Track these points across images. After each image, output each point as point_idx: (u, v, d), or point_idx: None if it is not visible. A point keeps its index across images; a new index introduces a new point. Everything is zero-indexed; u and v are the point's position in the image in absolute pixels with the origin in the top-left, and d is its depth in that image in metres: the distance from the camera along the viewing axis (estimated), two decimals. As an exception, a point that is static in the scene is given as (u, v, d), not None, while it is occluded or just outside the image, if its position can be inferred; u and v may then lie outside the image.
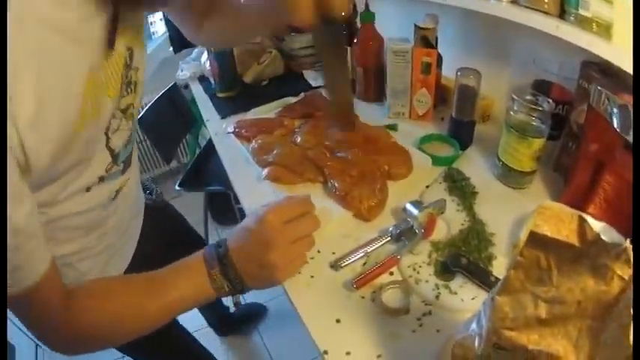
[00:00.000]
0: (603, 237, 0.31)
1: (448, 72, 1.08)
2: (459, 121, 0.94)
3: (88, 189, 0.68)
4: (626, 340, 0.31)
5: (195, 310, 1.65)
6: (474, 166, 0.88)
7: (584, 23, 0.66)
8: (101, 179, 0.68)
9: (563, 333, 0.35)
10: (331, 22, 0.70)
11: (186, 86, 2.01)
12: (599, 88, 0.65)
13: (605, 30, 0.63)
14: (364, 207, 0.77)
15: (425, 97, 1.04)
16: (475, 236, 0.70)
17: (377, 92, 1.18)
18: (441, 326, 0.60)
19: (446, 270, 0.66)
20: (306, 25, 0.68)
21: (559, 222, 0.33)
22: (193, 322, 1.20)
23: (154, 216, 0.99)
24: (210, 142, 1.98)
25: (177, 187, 1.69)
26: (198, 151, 2.10)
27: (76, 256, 0.71)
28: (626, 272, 0.31)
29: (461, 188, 0.80)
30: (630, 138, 0.59)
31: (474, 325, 0.44)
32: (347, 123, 0.83)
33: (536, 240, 0.33)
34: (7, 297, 0.53)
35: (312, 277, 0.69)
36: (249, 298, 2.11)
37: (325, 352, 0.59)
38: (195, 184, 1.76)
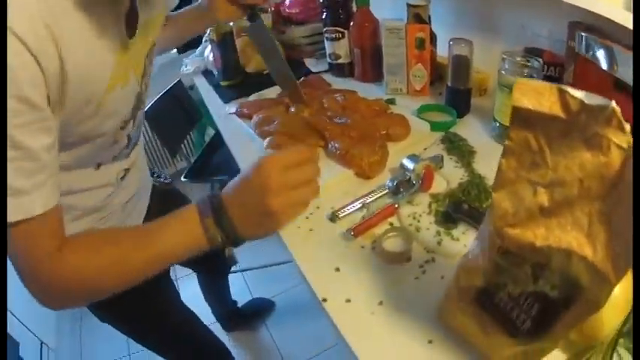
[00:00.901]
0: (587, 102, 0.30)
1: (443, 51, 1.10)
2: (455, 89, 0.96)
3: (98, 165, 0.71)
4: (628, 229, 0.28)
5: (204, 305, 1.67)
6: (472, 130, 0.89)
7: None
8: (114, 159, 0.73)
9: (572, 222, 0.32)
10: (253, 18, 0.98)
11: (192, 87, 2.06)
12: (582, 34, 0.66)
13: None
14: (365, 163, 0.78)
15: (421, 71, 1.06)
16: (475, 187, 0.71)
17: (375, 73, 1.20)
18: (445, 273, 0.59)
19: (447, 219, 0.66)
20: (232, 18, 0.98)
21: (538, 95, 0.33)
22: (202, 317, 1.21)
23: (160, 198, 1.01)
24: (215, 137, 2.03)
25: (182, 179, 1.72)
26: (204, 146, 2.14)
27: None
28: (623, 139, 0.30)
29: (458, 148, 0.82)
30: (618, 75, 0.60)
31: (474, 247, 0.43)
32: (298, 99, 1.04)
33: (521, 117, 0.33)
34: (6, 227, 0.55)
35: (310, 230, 0.70)
36: (257, 292, 2.12)
37: (324, 300, 0.59)
38: (201, 175, 1.79)
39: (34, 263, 0.58)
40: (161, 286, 1.04)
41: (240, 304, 1.94)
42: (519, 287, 0.38)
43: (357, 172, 0.80)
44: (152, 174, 1.05)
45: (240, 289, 2.13)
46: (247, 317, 1.92)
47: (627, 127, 0.30)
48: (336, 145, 0.83)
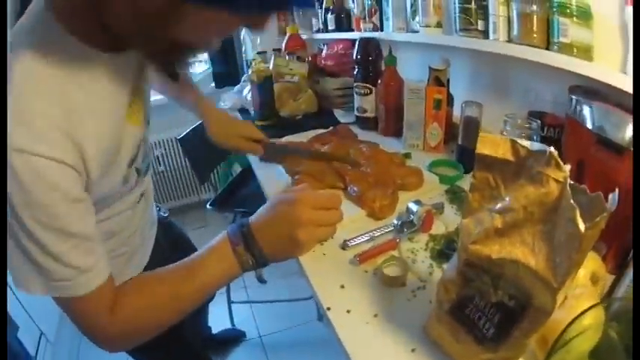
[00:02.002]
0: (531, 149, 0.41)
1: (459, 112, 1.22)
2: (464, 147, 1.07)
3: (116, 200, 0.77)
4: (575, 228, 0.36)
5: None
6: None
7: (565, 49, 0.79)
8: (130, 189, 0.78)
9: (520, 241, 0.42)
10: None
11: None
12: (575, 97, 0.75)
13: (584, 52, 0.77)
14: (377, 205, 0.89)
15: (436, 130, 1.19)
16: None
17: (395, 128, 1.33)
18: (433, 298, 0.64)
19: (440, 255, 0.76)
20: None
21: (495, 145, 0.45)
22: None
23: (164, 230, 1.09)
24: (243, 172, 2.16)
25: (208, 206, 1.83)
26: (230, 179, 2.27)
27: None
28: (559, 174, 0.40)
29: (460, 198, 0.92)
30: (602, 133, 0.68)
31: (450, 264, 0.53)
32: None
33: (482, 160, 0.45)
34: (65, 301, 0.61)
35: (323, 254, 0.81)
36: (262, 324, 2.17)
37: (328, 309, 0.69)
38: (225, 205, 1.90)
39: (99, 323, 0.65)
40: None
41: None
42: (484, 299, 0.48)
43: (369, 213, 0.91)
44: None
45: (246, 318, 2.20)
46: (219, 344, 2.01)
47: (563, 165, 0.40)
48: (354, 188, 0.95)
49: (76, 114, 0.56)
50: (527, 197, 0.42)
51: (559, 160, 0.40)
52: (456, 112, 1.23)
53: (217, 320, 2.04)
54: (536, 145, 0.43)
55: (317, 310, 2.16)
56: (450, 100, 1.21)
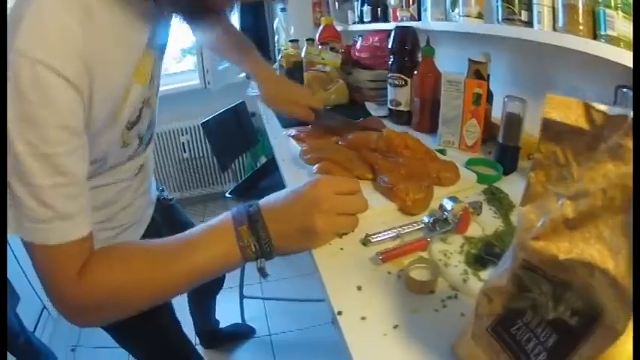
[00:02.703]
0: (610, 114, 0.32)
1: (498, 113, 1.12)
2: (505, 145, 0.97)
3: (115, 166, 0.74)
4: None
5: (188, 320, 1.69)
6: (515, 188, 0.89)
7: (612, 42, 0.75)
8: (130, 158, 0.75)
9: (596, 235, 0.32)
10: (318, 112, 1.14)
11: (253, 114, 2.18)
12: (623, 90, 0.70)
13: (631, 46, 0.70)
14: (410, 199, 0.79)
15: (474, 127, 1.09)
16: (510, 236, 0.69)
17: (430, 124, 1.24)
18: (466, 311, 0.58)
19: (477, 261, 0.66)
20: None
21: (566, 109, 0.34)
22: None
23: (163, 212, 1.06)
24: (267, 163, 2.11)
25: (227, 195, 1.78)
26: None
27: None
28: None
29: (499, 200, 0.82)
30: None
31: (499, 267, 0.43)
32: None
33: (549, 130, 0.35)
34: (36, 249, 0.55)
35: (341, 249, 0.71)
36: (273, 322, 2.11)
37: (339, 313, 0.59)
38: (246, 195, 1.85)
39: (66, 281, 0.58)
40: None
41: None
42: (538, 315, 0.38)
43: (400, 207, 0.81)
44: (157, 188, 1.10)
45: (258, 315, 2.14)
46: (226, 339, 1.95)
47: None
48: (385, 178, 0.85)
49: (93, 43, 0.54)
50: (606, 177, 0.32)
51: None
52: (495, 113, 1.15)
53: (227, 314, 2.00)
54: (616, 110, 0.33)
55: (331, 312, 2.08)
56: (489, 97, 1.12)
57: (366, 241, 0.71)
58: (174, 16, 0.64)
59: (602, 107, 0.33)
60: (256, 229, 0.62)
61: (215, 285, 1.62)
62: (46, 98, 0.50)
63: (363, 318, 0.58)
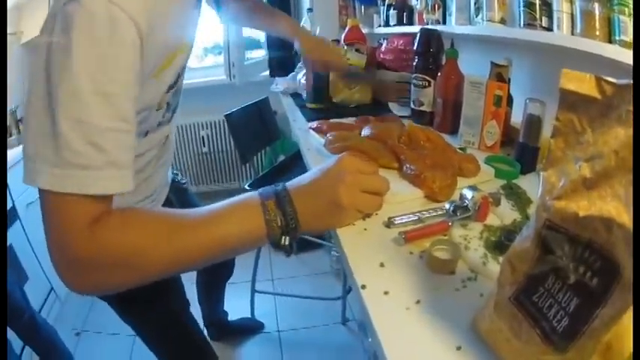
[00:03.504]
0: (618, 84, 0.36)
1: (517, 117, 1.14)
2: (525, 144, 1.00)
3: (146, 133, 0.77)
4: None
5: (197, 312, 1.69)
6: (533, 187, 0.91)
7: (626, 45, 0.79)
8: (159, 124, 0.78)
9: (611, 193, 0.35)
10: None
11: (275, 112, 2.23)
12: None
13: None
14: (437, 185, 0.82)
15: (494, 128, 1.11)
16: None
17: (452, 125, 1.26)
18: (485, 292, 0.59)
19: (496, 246, 0.68)
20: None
21: (579, 82, 0.39)
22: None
23: (178, 193, 1.11)
24: (286, 160, 2.15)
25: (246, 187, 1.82)
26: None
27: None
28: None
29: (517, 195, 0.84)
30: None
31: (523, 232, 0.45)
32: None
33: (566, 98, 0.39)
34: (57, 198, 0.52)
35: (365, 229, 0.73)
36: (283, 318, 2.13)
37: (363, 287, 0.60)
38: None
39: (77, 234, 0.54)
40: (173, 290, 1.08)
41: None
42: (560, 279, 0.40)
43: (427, 194, 0.84)
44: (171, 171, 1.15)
45: (268, 311, 2.16)
46: (234, 332, 1.98)
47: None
48: (412, 167, 0.88)
49: (157, 4, 0.58)
50: (617, 140, 0.35)
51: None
52: (514, 117, 1.17)
53: (237, 308, 2.03)
54: (623, 80, 0.37)
55: (342, 313, 2.09)
56: (509, 101, 1.14)
57: (389, 224, 0.74)
58: None
59: (611, 79, 0.37)
60: (283, 203, 0.62)
61: (224, 271, 1.63)
62: (118, 37, 0.52)
63: (386, 292, 0.60)
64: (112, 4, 0.52)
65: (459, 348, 0.52)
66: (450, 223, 0.72)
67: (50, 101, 0.51)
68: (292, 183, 0.67)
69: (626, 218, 0.34)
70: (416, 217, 0.74)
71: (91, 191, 0.53)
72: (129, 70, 0.55)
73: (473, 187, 0.77)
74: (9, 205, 1.76)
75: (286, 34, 1.32)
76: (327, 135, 1.08)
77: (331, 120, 1.30)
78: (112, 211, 0.57)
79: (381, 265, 0.66)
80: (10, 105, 2.29)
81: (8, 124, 2.33)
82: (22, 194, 1.84)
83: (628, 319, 0.35)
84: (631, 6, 0.79)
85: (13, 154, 1.90)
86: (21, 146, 0.57)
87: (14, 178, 1.78)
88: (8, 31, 2.22)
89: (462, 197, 0.77)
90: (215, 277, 1.65)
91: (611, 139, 0.36)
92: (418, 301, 0.59)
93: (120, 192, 0.56)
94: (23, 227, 1.84)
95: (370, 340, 0.56)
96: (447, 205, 0.76)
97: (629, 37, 0.79)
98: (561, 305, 0.41)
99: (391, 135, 1.01)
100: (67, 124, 0.51)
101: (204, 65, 3.23)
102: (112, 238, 0.55)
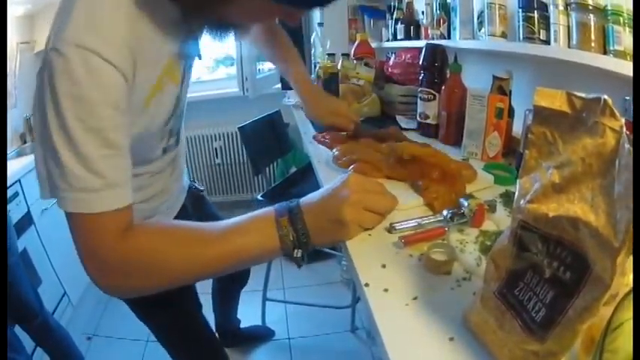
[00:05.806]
0: (587, 98, 0.40)
1: (519, 128, 1.18)
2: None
3: (151, 161, 0.84)
4: (631, 174, 0.34)
5: (210, 318, 1.75)
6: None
7: (620, 56, 0.82)
8: (164, 151, 0.84)
9: (579, 197, 0.39)
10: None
11: (287, 124, 2.29)
12: (626, 97, 0.75)
13: None
14: (439, 204, 0.86)
15: (496, 139, 1.16)
16: None
17: (455, 137, 1.30)
18: (477, 291, 0.61)
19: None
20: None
21: (552, 98, 0.43)
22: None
23: (194, 201, 1.16)
24: (297, 172, 2.21)
25: (259, 197, 1.87)
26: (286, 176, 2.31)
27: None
28: (615, 123, 0.38)
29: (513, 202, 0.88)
30: None
31: (502, 236, 0.50)
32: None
33: (539, 114, 0.43)
34: (77, 216, 0.60)
35: (369, 234, 0.79)
36: (293, 326, 2.16)
37: (366, 285, 0.67)
38: (278, 199, 1.91)
39: (106, 244, 0.62)
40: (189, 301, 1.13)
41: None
42: (537, 274, 0.45)
43: (427, 204, 0.89)
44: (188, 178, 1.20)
45: (278, 318, 2.20)
46: (245, 339, 2.02)
47: (618, 114, 0.38)
48: (419, 182, 0.93)
49: (138, 40, 0.62)
50: (584, 149, 0.40)
51: (614, 108, 0.38)
52: (516, 128, 1.22)
53: (249, 315, 2.07)
54: (591, 95, 0.41)
55: (351, 321, 2.12)
56: (511, 112, 1.19)
57: (390, 229, 0.79)
58: (204, 31, 0.74)
59: (580, 94, 0.42)
60: (295, 221, 0.69)
61: (241, 278, 1.69)
62: (100, 83, 0.57)
63: (386, 290, 0.66)
64: (90, 51, 0.56)
65: (451, 339, 0.57)
66: (446, 229, 0.77)
67: (50, 135, 0.59)
68: (305, 200, 0.74)
69: (592, 217, 0.39)
70: (416, 223, 0.79)
71: (96, 210, 0.61)
72: (114, 108, 0.60)
73: (468, 196, 0.81)
74: (24, 211, 1.83)
75: (294, 88, 1.35)
76: (334, 150, 1.13)
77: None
78: (139, 224, 0.65)
79: (383, 266, 0.71)
80: (25, 113, 2.39)
81: (23, 131, 2.43)
82: (36, 200, 1.90)
83: (606, 311, 0.40)
84: (625, 14, 0.81)
85: (28, 160, 1.95)
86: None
87: (30, 184, 1.85)
88: (21, 40, 2.32)
89: (459, 204, 0.82)
90: (231, 284, 1.70)
91: (579, 148, 0.41)
92: (416, 298, 0.64)
93: (121, 206, 0.63)
94: (38, 233, 1.89)
95: (377, 340, 0.61)
96: (444, 212, 0.81)
97: (623, 46, 0.82)
98: (539, 297, 0.45)
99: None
100: (66, 155, 0.58)
101: (215, 77, 3.32)
102: (140, 245, 0.64)
